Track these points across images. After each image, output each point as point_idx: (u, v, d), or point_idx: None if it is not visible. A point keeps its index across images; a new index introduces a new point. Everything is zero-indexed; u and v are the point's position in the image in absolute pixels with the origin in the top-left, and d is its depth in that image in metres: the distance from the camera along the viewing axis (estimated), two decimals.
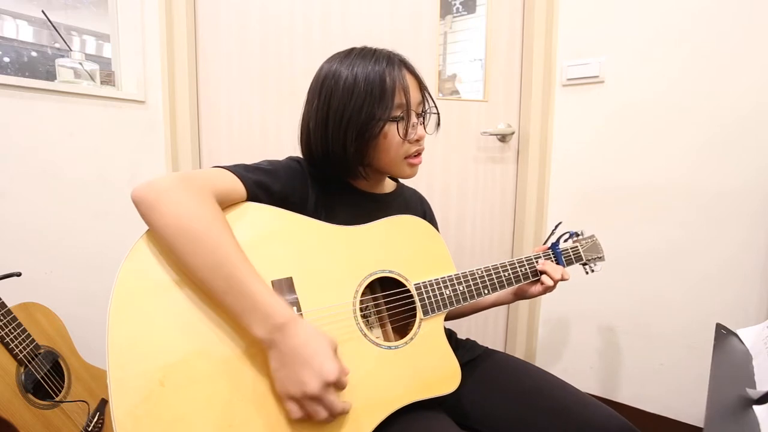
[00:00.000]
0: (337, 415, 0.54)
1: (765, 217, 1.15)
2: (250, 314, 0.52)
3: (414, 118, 0.71)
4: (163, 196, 0.54)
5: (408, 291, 0.69)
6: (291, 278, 0.60)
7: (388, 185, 0.86)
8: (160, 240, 0.55)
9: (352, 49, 0.72)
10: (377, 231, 0.70)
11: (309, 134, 0.72)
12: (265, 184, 0.65)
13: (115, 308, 0.51)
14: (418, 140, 0.73)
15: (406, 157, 0.73)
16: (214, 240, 0.54)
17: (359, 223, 0.70)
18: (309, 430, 0.55)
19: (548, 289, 0.80)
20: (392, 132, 0.70)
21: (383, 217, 0.72)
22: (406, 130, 0.70)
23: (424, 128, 0.75)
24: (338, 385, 0.53)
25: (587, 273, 0.92)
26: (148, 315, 0.52)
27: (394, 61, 0.70)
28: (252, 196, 0.64)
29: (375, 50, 0.71)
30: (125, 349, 0.50)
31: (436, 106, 0.76)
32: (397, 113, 0.69)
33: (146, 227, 0.56)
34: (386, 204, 0.82)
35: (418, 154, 0.74)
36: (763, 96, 1.12)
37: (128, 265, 0.53)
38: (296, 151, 0.77)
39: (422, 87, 0.74)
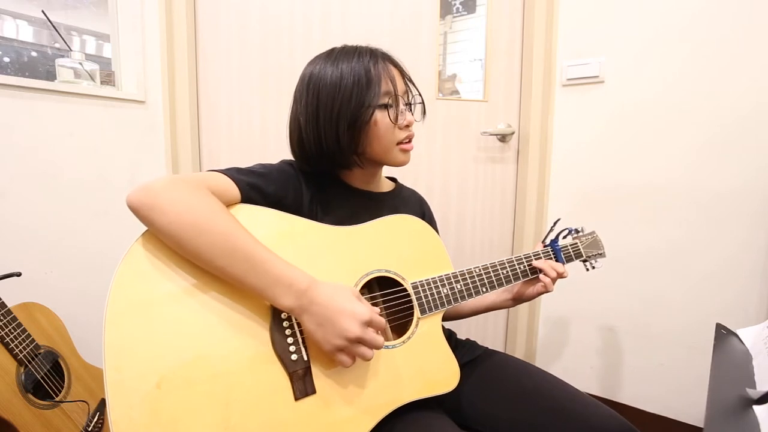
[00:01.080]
0: (379, 348, 0.58)
1: (765, 217, 1.15)
2: (275, 288, 0.55)
3: (402, 105, 0.73)
4: (162, 195, 0.55)
5: (405, 290, 0.69)
6: None
7: (386, 184, 0.86)
8: (166, 238, 0.55)
9: (333, 49, 0.74)
10: (374, 230, 0.70)
11: (300, 131, 0.72)
12: (258, 186, 0.66)
13: (111, 311, 0.51)
14: (408, 126, 0.75)
15: (398, 144, 0.74)
16: (224, 227, 0.56)
17: (355, 222, 0.70)
18: (307, 429, 0.55)
19: (546, 289, 0.80)
20: (382, 118, 0.71)
21: (379, 215, 0.72)
22: (396, 115, 0.72)
23: (412, 115, 0.76)
24: (374, 322, 0.57)
25: (587, 270, 0.91)
26: (145, 318, 0.52)
27: (376, 54, 0.72)
28: (245, 198, 0.64)
29: (357, 47, 0.73)
30: (121, 351, 0.50)
31: (420, 95, 0.78)
32: (385, 100, 0.71)
33: (144, 228, 0.56)
34: (382, 202, 0.82)
35: (409, 140, 0.76)
36: (763, 96, 1.12)
37: (124, 268, 0.53)
38: None
39: (406, 77, 0.76)
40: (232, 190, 0.63)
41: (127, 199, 0.55)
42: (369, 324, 0.56)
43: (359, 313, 0.55)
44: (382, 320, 0.58)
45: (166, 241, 0.55)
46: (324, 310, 0.55)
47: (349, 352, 0.56)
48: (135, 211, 0.55)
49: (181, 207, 0.54)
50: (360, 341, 0.56)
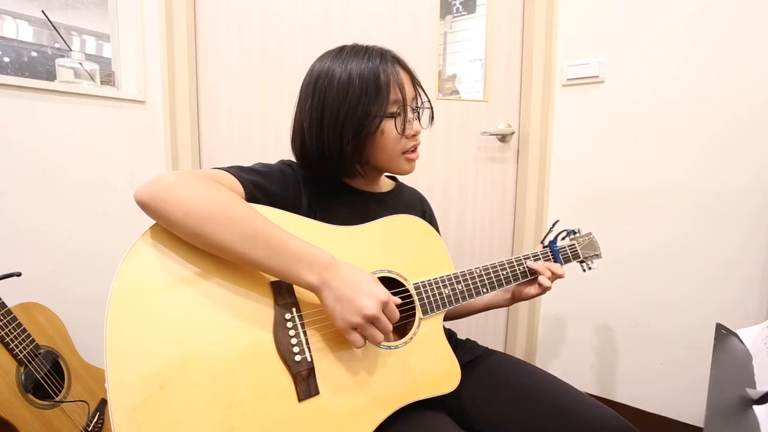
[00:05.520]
0: (388, 333, 0.58)
1: (765, 217, 1.15)
2: (298, 267, 0.55)
3: (410, 114, 0.71)
4: (174, 188, 0.54)
5: (407, 291, 0.69)
6: None
7: (386, 184, 0.86)
8: (182, 230, 0.53)
9: (344, 47, 0.71)
10: (376, 231, 0.70)
11: (303, 135, 0.71)
12: (261, 185, 0.66)
13: (113, 311, 0.50)
14: (414, 135, 0.73)
15: (403, 153, 0.73)
16: (241, 213, 0.55)
17: (357, 223, 0.69)
18: (311, 430, 0.55)
19: (545, 289, 0.80)
20: (389, 128, 0.70)
21: (381, 215, 0.72)
22: (404, 126, 0.70)
23: (419, 122, 0.75)
24: (389, 307, 0.57)
25: (584, 270, 0.92)
26: (147, 318, 0.51)
27: (387, 57, 0.70)
28: (250, 197, 0.64)
29: (367, 47, 0.71)
30: (124, 352, 0.49)
31: (429, 100, 0.76)
32: (394, 109, 0.69)
33: (144, 228, 0.55)
34: (383, 203, 0.81)
35: (414, 149, 0.74)
36: (763, 96, 1.12)
37: (126, 267, 0.52)
38: None
39: (415, 82, 0.74)
40: (237, 188, 0.63)
41: (137, 194, 0.53)
42: (385, 307, 0.57)
43: (378, 293, 0.56)
44: (396, 300, 0.59)
45: (182, 234, 0.54)
46: (345, 286, 0.56)
47: (362, 332, 0.56)
48: (145, 205, 0.53)
49: (197, 197, 0.54)
50: (375, 321, 0.56)
